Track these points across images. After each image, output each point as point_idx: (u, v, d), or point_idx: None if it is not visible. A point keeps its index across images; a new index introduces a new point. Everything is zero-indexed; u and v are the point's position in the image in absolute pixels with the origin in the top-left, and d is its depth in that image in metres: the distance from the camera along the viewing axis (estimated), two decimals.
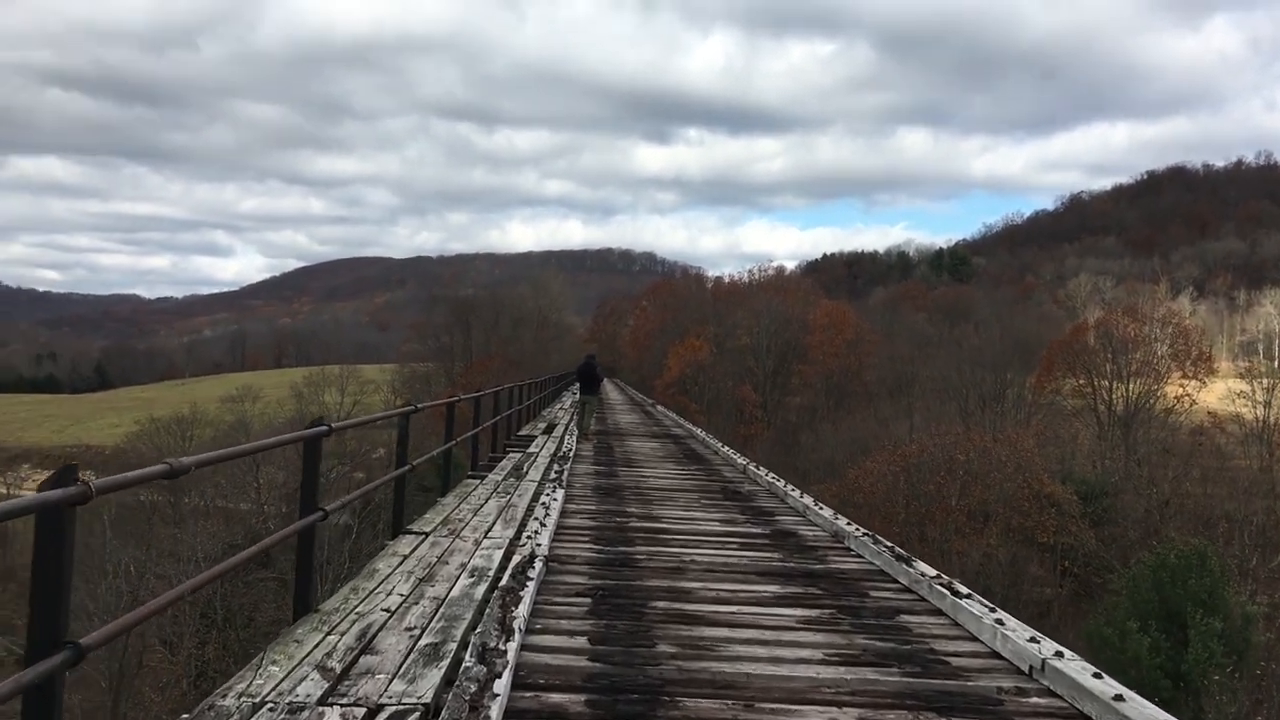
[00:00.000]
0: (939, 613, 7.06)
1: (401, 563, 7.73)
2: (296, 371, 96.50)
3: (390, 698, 4.56)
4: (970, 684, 5.38)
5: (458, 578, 7.24)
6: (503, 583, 6.77)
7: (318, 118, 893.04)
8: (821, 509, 11.76)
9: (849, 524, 10.59)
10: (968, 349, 65.13)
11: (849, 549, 9.66)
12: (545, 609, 6.59)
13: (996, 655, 5.96)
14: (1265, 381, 65.93)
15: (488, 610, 6.04)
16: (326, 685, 4.67)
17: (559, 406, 36.11)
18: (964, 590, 7.24)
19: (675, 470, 17.12)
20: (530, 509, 10.74)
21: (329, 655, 5.17)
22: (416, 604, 6.40)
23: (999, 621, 6.27)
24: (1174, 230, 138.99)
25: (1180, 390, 59.49)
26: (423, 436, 34.03)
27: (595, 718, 4.59)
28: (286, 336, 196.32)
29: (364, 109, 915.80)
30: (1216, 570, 21.71)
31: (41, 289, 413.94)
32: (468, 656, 5.04)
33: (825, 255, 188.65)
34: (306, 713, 4.31)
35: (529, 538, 8.68)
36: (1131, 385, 59.08)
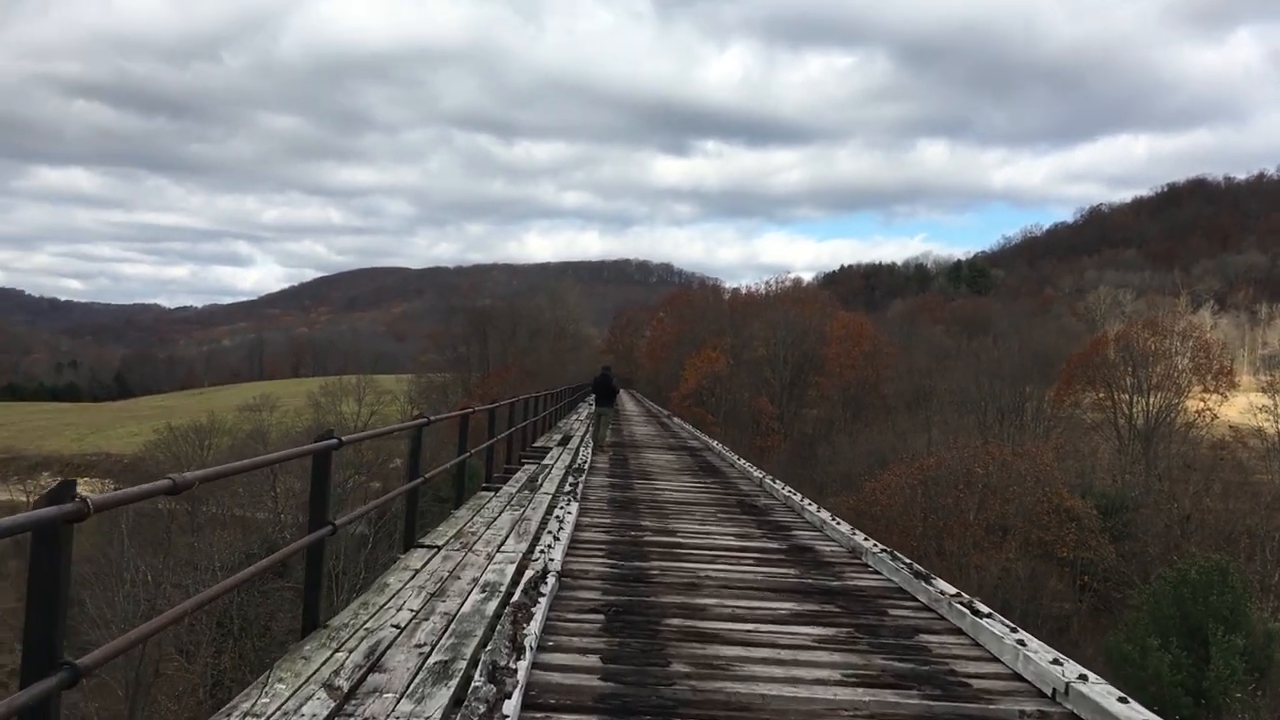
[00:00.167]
0: (959, 632, 6.94)
1: (413, 577, 7.65)
2: (314, 381, 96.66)
3: (397, 718, 4.49)
4: (992, 707, 5.27)
5: (469, 593, 7.16)
6: (515, 599, 6.68)
7: (338, 129, 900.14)
8: (839, 524, 11.63)
9: (866, 539, 10.46)
10: (986, 362, 64.61)
11: (866, 565, 9.54)
12: (557, 625, 6.50)
13: (1018, 677, 5.84)
14: None
15: (499, 627, 5.94)
16: (333, 705, 4.59)
17: (575, 418, 36.05)
18: (984, 609, 7.10)
19: (691, 483, 17.00)
20: (544, 522, 10.66)
21: (336, 673, 5.09)
22: (427, 620, 6.32)
23: (1021, 642, 6.14)
24: (1195, 243, 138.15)
25: (1201, 404, 59.05)
26: (440, 445, 34.00)
27: None
28: (304, 346, 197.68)
29: (384, 120, 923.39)
30: (1238, 586, 21.50)
31: (64, 298, 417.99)
32: (478, 675, 4.95)
33: (843, 267, 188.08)
34: None
35: (542, 552, 8.59)
36: (1152, 399, 58.67)
